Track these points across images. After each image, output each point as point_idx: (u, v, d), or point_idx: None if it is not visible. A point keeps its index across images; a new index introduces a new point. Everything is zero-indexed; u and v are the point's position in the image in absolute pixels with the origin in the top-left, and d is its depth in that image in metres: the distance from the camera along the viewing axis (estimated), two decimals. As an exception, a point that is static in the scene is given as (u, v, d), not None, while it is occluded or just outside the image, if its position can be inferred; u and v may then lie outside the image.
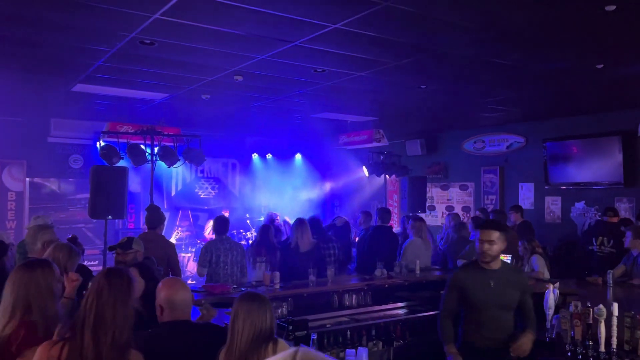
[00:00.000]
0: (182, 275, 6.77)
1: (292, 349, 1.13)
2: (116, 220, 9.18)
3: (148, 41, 4.76)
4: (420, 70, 5.86)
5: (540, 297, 4.42)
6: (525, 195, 9.43)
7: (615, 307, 3.48)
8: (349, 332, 4.80)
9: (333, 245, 6.84)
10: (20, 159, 9.56)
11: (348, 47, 4.94)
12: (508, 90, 6.91)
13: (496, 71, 5.83)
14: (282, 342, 2.60)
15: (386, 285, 6.28)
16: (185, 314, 2.80)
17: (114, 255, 4.55)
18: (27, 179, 9.68)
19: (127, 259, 4.36)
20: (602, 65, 5.53)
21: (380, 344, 5.00)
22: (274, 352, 2.51)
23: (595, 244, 6.58)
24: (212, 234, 6.60)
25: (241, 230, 10.92)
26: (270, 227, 6.57)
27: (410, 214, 8.36)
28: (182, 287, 2.83)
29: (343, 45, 4.89)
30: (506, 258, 5.87)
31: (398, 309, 5.70)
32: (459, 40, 4.74)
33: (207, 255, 5.96)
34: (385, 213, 7.42)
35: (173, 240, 9.37)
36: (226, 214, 10.83)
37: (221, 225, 6.20)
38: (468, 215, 9.94)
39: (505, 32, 4.53)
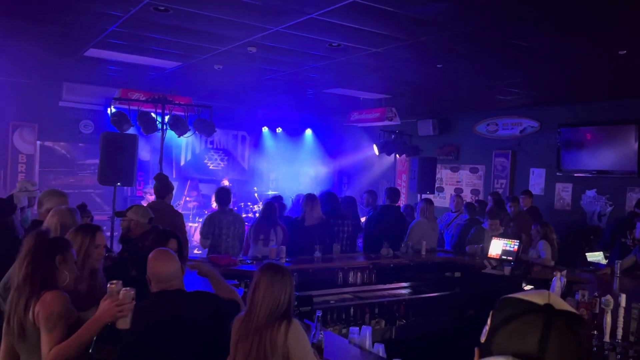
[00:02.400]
0: (189, 245, 6.78)
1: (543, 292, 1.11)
2: (124, 187, 9.20)
3: (163, 7, 4.69)
4: (438, 49, 5.75)
5: (546, 284, 4.41)
6: (536, 181, 9.35)
7: (624, 298, 3.46)
8: (352, 310, 4.84)
9: (347, 222, 6.81)
10: (32, 122, 9.58)
11: (365, 21, 4.84)
12: (525, 72, 6.78)
13: (515, 53, 5.71)
14: (295, 323, 2.52)
15: (391, 265, 6.28)
16: (174, 285, 2.75)
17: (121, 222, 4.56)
18: (38, 142, 9.71)
19: (123, 226, 4.38)
20: (625, 51, 5.40)
21: (383, 322, 5.05)
22: (286, 333, 2.44)
23: (629, 237, 6.47)
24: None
25: (249, 203, 10.94)
26: (273, 204, 6.47)
27: (417, 201, 8.24)
28: (167, 259, 2.77)
29: (360, 20, 4.80)
30: (514, 243, 5.85)
31: (402, 289, 5.74)
32: (478, 19, 4.63)
33: (211, 227, 5.96)
34: (393, 193, 7.38)
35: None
36: (225, 183, 10.84)
37: (223, 196, 6.16)
38: (476, 197, 9.88)
39: (527, 13, 4.42)
